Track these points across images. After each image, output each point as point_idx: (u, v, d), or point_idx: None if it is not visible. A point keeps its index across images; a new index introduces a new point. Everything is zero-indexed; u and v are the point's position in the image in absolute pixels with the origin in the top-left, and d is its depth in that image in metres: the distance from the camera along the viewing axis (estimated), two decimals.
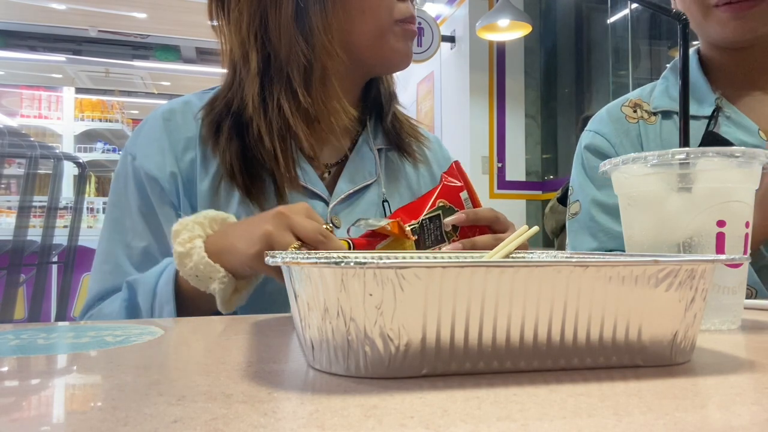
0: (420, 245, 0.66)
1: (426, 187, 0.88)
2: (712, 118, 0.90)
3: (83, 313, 0.75)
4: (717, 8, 0.86)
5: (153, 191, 0.75)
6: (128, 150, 0.78)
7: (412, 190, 0.87)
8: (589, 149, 0.98)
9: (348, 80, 0.81)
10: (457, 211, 0.69)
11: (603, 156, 0.96)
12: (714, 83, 0.94)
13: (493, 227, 0.70)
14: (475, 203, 0.72)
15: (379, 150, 0.86)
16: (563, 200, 2.12)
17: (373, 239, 0.64)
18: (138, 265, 0.74)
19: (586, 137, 1.00)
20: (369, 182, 0.82)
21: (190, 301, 0.65)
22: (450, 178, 0.72)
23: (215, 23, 0.79)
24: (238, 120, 0.76)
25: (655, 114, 0.96)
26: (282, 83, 0.75)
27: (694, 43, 0.99)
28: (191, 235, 0.61)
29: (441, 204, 0.69)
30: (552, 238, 2.20)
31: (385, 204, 0.82)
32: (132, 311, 0.68)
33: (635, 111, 0.98)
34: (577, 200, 0.98)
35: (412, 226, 0.66)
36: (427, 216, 0.68)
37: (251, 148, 0.74)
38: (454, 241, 0.68)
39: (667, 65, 1.03)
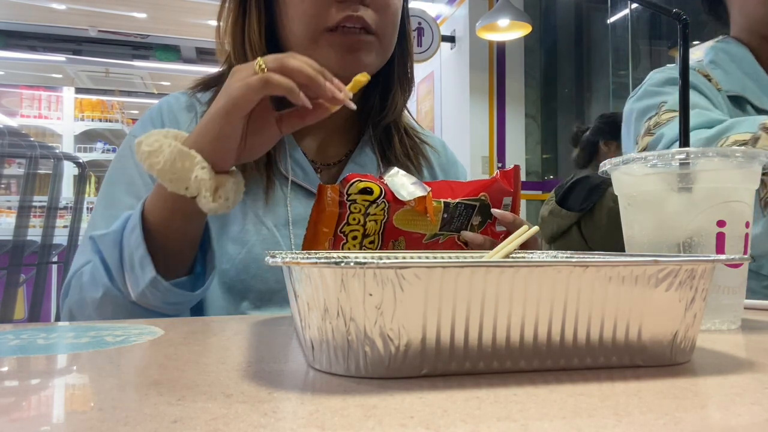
0: (445, 224, 0.65)
1: None
2: None
3: (67, 284, 0.69)
4: None
5: None
6: (130, 133, 0.79)
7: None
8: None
9: None
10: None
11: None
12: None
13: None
14: (515, 213, 0.70)
15: (381, 150, 0.84)
16: (563, 203, 2.06)
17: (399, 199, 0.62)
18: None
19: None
20: None
21: (165, 231, 0.61)
22: (504, 180, 0.68)
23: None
24: None
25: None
26: None
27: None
28: (157, 137, 0.58)
29: (482, 197, 0.67)
30: (548, 244, 2.12)
31: None
32: (101, 272, 0.62)
33: (710, 80, 0.93)
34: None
35: (447, 202, 0.64)
36: (464, 201, 0.65)
37: None
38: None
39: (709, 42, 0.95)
